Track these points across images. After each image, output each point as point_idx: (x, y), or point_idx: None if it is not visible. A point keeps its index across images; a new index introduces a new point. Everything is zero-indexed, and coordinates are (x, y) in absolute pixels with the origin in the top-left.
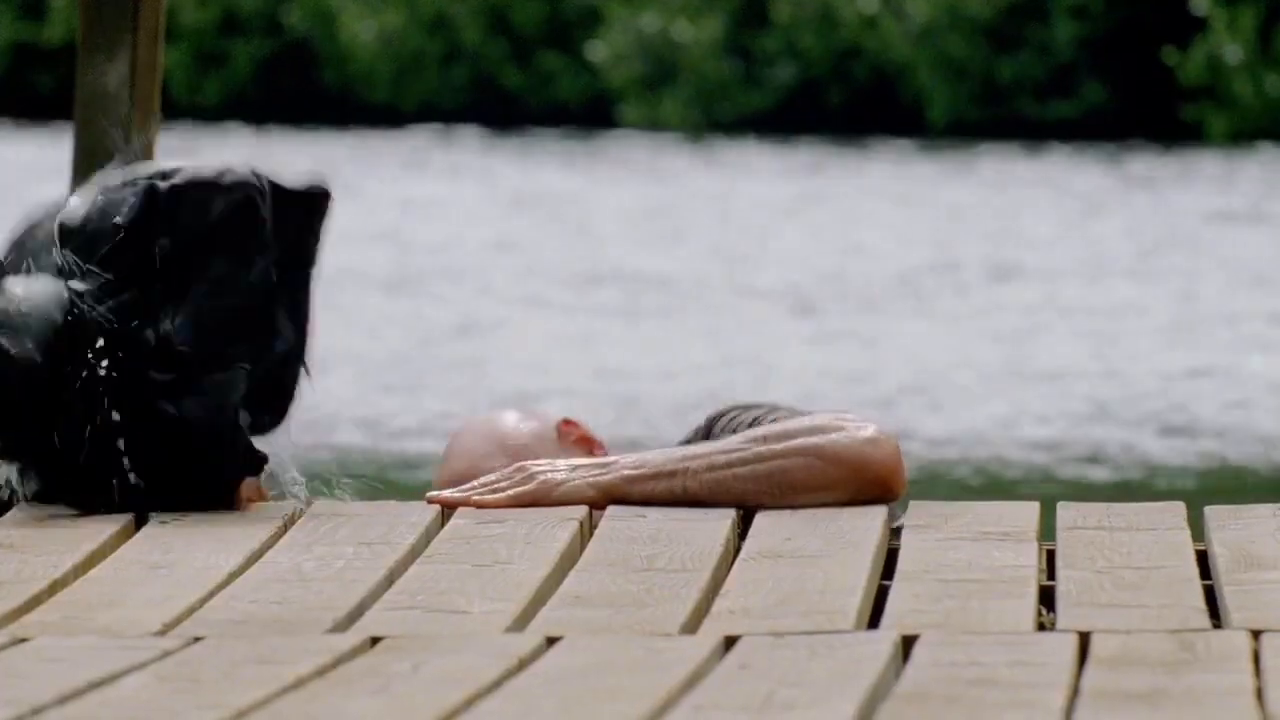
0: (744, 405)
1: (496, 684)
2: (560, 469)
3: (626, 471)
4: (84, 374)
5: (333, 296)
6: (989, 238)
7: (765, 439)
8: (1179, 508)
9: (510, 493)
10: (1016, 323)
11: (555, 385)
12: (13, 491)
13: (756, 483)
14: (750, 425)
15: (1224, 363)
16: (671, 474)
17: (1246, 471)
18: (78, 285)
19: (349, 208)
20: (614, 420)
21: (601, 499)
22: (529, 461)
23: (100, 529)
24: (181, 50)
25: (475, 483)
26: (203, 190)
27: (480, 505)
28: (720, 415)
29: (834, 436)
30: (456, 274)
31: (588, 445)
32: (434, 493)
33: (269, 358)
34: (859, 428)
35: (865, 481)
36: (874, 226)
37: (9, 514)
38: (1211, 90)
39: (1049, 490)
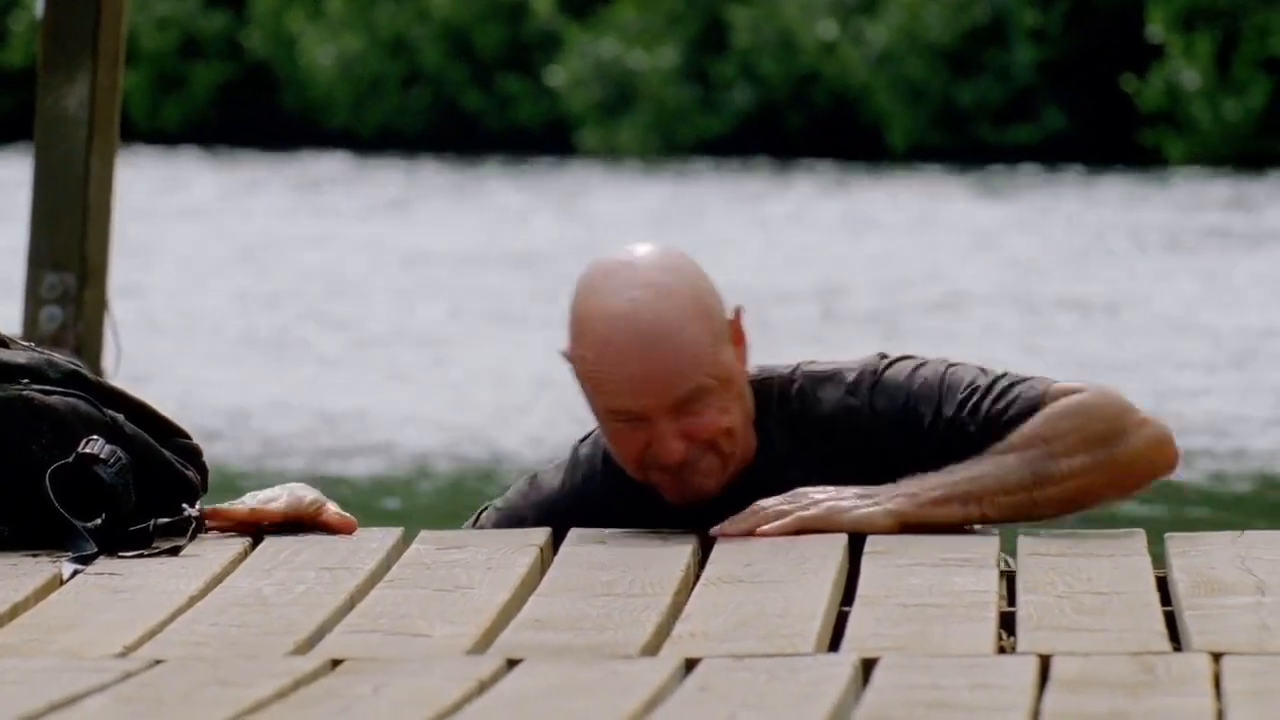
0: (968, 385)
1: (457, 706)
2: (846, 495)
3: (925, 495)
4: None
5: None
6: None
7: (1053, 454)
8: (1139, 535)
9: (795, 517)
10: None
11: (514, 401)
12: None
13: (1060, 505)
14: (997, 412)
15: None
16: (966, 499)
17: (1209, 499)
18: None
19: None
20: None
21: (895, 526)
22: (810, 489)
23: (60, 553)
24: (141, 74)
25: (749, 511)
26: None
27: (765, 534)
28: (946, 388)
29: (1124, 448)
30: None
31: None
32: (717, 528)
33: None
34: (1139, 423)
35: (1155, 482)
36: (844, 247)
37: None
38: (1170, 116)
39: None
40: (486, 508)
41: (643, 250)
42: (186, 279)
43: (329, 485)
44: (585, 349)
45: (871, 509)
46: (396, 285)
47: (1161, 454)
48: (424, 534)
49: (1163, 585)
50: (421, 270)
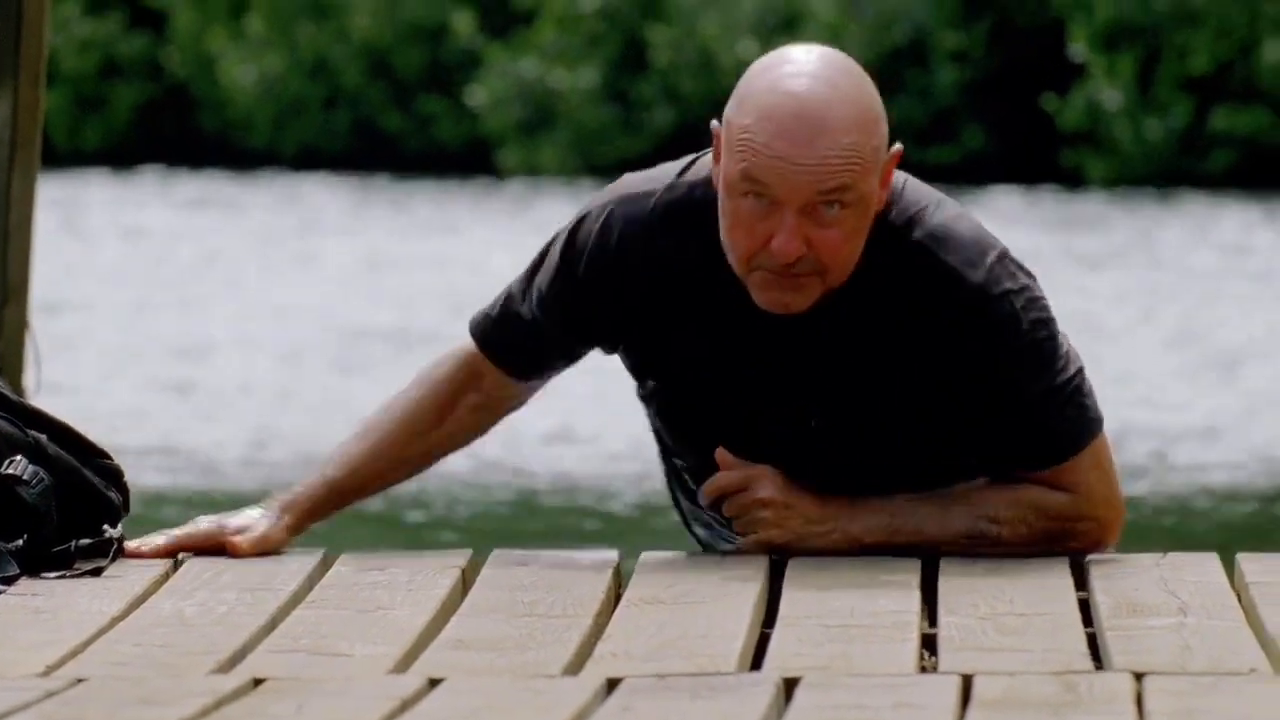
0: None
1: None
2: (810, 520)
3: (867, 537)
4: None
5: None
6: None
7: (1000, 534)
8: (1061, 559)
9: (760, 536)
10: None
11: None
12: None
13: (1034, 547)
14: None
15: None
16: (904, 544)
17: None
18: None
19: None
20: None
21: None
22: (778, 500)
23: None
24: (62, 94)
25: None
26: None
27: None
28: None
29: (1067, 542)
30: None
31: (888, 182)
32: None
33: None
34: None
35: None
36: None
37: None
38: (1091, 135)
39: None
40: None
41: (830, 51)
42: (108, 300)
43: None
44: (745, 115)
45: (827, 540)
46: (317, 301)
47: (1095, 547)
48: (345, 556)
49: (1085, 607)
50: (342, 288)
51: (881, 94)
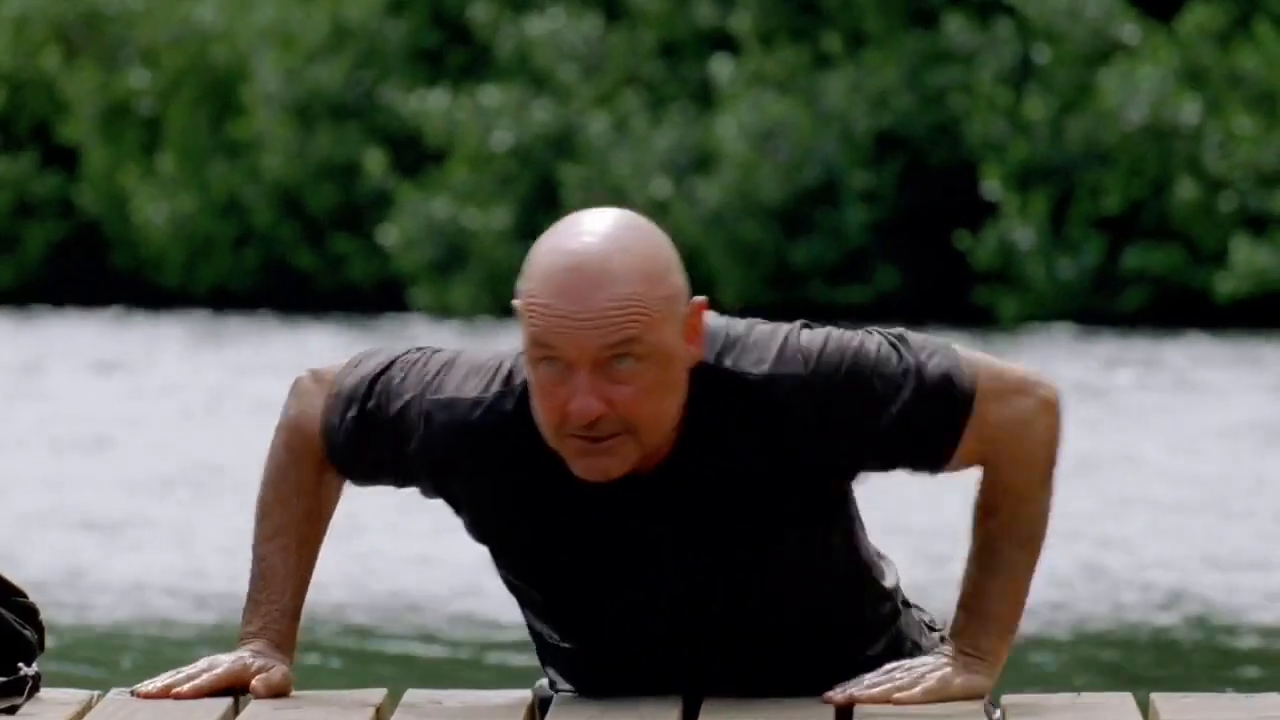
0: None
1: None
2: (944, 665)
3: (1002, 648)
4: None
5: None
6: None
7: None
8: (975, 704)
9: (918, 690)
10: None
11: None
12: None
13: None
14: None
15: None
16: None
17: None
18: None
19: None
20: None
21: (994, 682)
22: (909, 661)
23: None
24: None
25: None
26: None
27: (886, 701)
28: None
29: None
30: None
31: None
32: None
33: None
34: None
35: None
36: None
37: None
38: (1003, 274)
39: None
40: (383, 368)
41: (620, 211)
42: (14, 440)
43: (164, 643)
44: (530, 281)
45: (979, 678)
46: (231, 438)
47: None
48: (255, 704)
49: None
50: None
51: (793, 235)
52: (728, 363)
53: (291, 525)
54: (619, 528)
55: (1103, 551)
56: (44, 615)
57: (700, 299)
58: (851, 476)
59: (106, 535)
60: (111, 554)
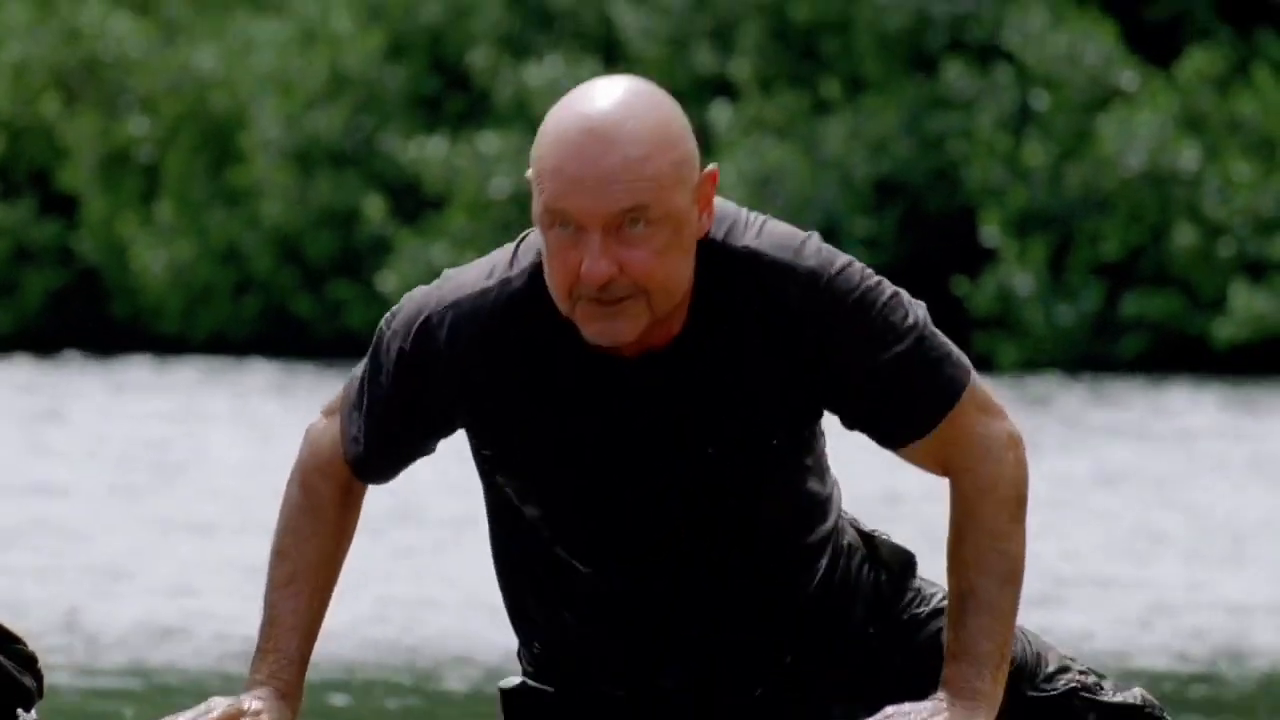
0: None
1: None
2: (942, 711)
3: (998, 684)
4: None
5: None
6: None
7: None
8: None
9: None
10: None
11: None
12: None
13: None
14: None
15: None
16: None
17: None
18: None
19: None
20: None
21: None
22: (906, 706)
23: None
24: None
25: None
26: None
27: None
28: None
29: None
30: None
31: (707, 204)
32: None
33: None
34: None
35: None
36: None
37: None
38: (1002, 320)
39: None
40: (391, 318)
41: (632, 78)
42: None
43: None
44: (540, 147)
45: (973, 718)
46: (232, 487)
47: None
48: None
49: None
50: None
51: None
52: (741, 240)
53: (304, 572)
54: (636, 406)
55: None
56: (42, 663)
57: (713, 167)
58: (824, 405)
59: (108, 581)
60: (112, 601)
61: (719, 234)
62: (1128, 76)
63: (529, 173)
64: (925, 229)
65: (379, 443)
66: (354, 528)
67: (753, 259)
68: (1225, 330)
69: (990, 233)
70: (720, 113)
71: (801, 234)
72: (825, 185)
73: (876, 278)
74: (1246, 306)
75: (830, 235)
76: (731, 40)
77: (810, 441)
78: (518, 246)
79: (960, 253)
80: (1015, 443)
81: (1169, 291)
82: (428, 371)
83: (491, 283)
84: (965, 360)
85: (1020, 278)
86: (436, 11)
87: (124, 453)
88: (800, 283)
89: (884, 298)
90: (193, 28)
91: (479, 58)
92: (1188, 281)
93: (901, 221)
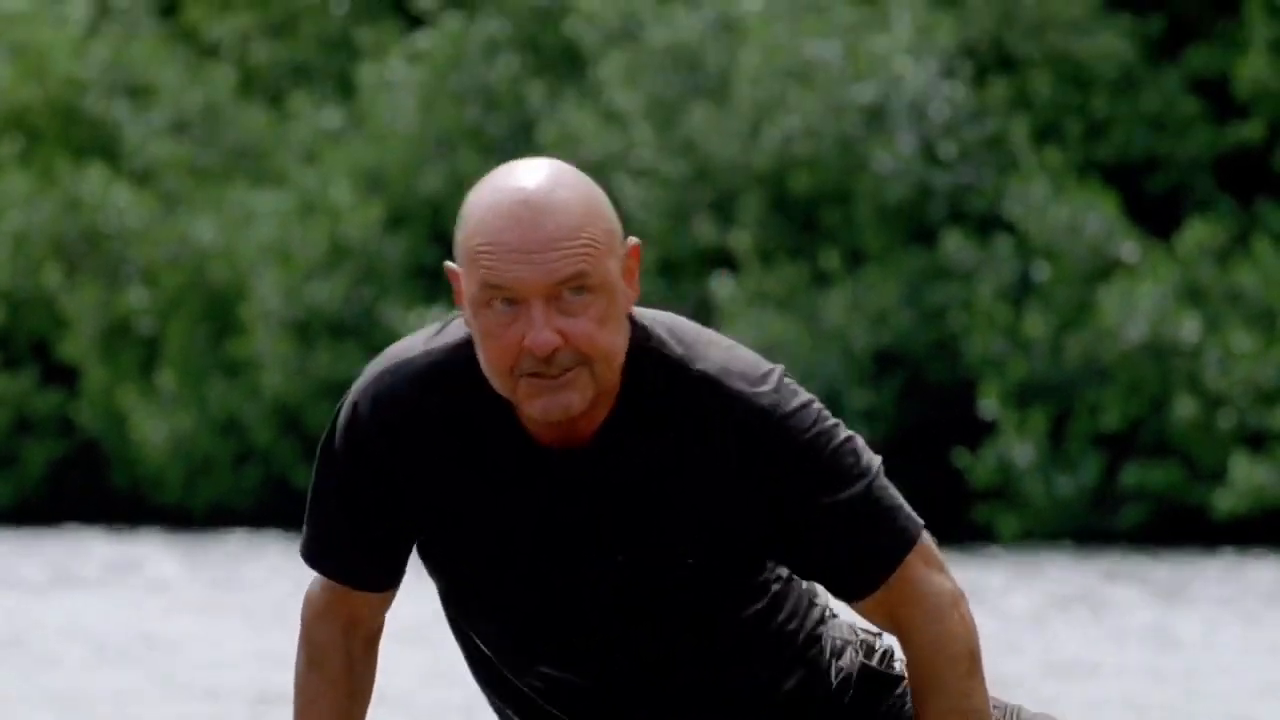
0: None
1: None
2: None
3: None
4: None
5: None
6: None
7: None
8: None
9: None
10: None
11: None
12: None
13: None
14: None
15: None
16: None
17: None
18: None
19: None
20: None
21: None
22: None
23: None
24: None
25: None
26: None
27: None
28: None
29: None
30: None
31: (633, 277)
32: None
33: None
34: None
35: None
36: None
37: None
38: (1002, 492)
39: None
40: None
41: (546, 158)
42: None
43: None
44: (470, 227)
45: None
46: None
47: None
48: None
49: None
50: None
51: None
52: (700, 362)
53: None
54: (554, 499)
55: None
56: None
57: (635, 240)
58: (771, 551)
59: None
60: None
61: (678, 350)
62: (1128, 248)
63: (451, 266)
64: (925, 400)
65: (344, 538)
66: (368, 680)
67: (707, 383)
68: (1226, 502)
69: (990, 405)
70: (721, 285)
71: (765, 366)
72: (826, 357)
73: (833, 421)
74: (1247, 478)
75: (830, 406)
76: (732, 212)
77: (751, 571)
78: (439, 329)
79: (960, 424)
80: (960, 599)
81: (1169, 463)
82: (363, 448)
83: (412, 354)
84: (915, 515)
85: (1020, 449)
86: (436, 182)
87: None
88: (752, 416)
89: (835, 442)
90: (192, 199)
91: None
92: (1188, 453)
93: (902, 393)
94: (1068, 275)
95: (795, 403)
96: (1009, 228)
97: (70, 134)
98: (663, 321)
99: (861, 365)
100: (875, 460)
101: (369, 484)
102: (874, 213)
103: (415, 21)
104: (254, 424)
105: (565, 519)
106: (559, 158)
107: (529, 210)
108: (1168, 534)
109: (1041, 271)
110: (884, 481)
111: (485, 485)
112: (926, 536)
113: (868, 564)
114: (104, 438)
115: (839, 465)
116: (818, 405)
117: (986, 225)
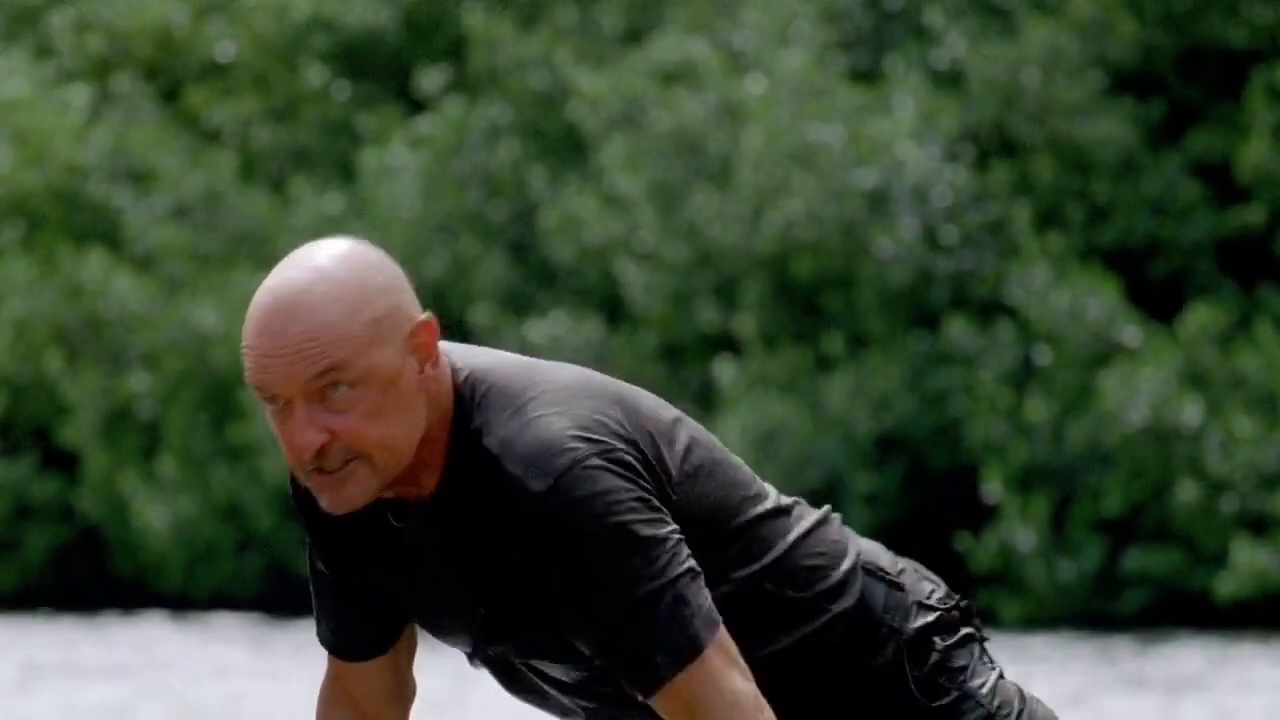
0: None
1: None
2: None
3: None
4: None
5: None
6: None
7: None
8: None
9: None
10: None
11: None
12: None
13: None
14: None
15: None
16: None
17: None
18: None
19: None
20: None
21: None
22: None
23: None
24: None
25: None
26: None
27: None
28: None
29: None
30: None
31: (428, 353)
32: None
33: None
34: None
35: None
36: None
37: None
38: (1003, 577)
39: None
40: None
41: (333, 239)
42: None
43: None
44: (245, 325)
45: None
46: None
47: None
48: None
49: None
50: None
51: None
52: (496, 434)
53: None
54: (413, 556)
55: None
56: None
57: (426, 316)
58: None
59: None
60: None
61: (478, 419)
62: (1130, 332)
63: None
64: (927, 485)
65: (323, 608)
66: None
67: (490, 459)
68: (1228, 586)
69: (992, 489)
70: (724, 369)
71: (566, 444)
72: (828, 441)
73: (634, 517)
74: (1249, 562)
75: (833, 491)
76: (734, 296)
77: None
78: None
79: (962, 508)
80: (764, 706)
81: (1171, 547)
82: (305, 524)
83: None
84: (714, 616)
85: (1022, 534)
86: (438, 267)
87: None
88: (523, 501)
89: (622, 540)
90: (194, 284)
91: (481, 314)
92: (1190, 537)
93: (904, 477)
94: (1069, 360)
95: (580, 492)
96: (1011, 312)
97: (71, 220)
98: (496, 375)
99: (863, 450)
100: (680, 565)
101: (317, 556)
102: (876, 297)
103: (417, 106)
104: (256, 509)
105: (424, 578)
106: (551, 241)
107: (276, 314)
108: (1170, 619)
109: (1043, 356)
110: (682, 585)
111: (367, 551)
112: (727, 641)
113: (644, 666)
114: (105, 524)
115: (620, 564)
116: (616, 497)
117: (988, 310)
